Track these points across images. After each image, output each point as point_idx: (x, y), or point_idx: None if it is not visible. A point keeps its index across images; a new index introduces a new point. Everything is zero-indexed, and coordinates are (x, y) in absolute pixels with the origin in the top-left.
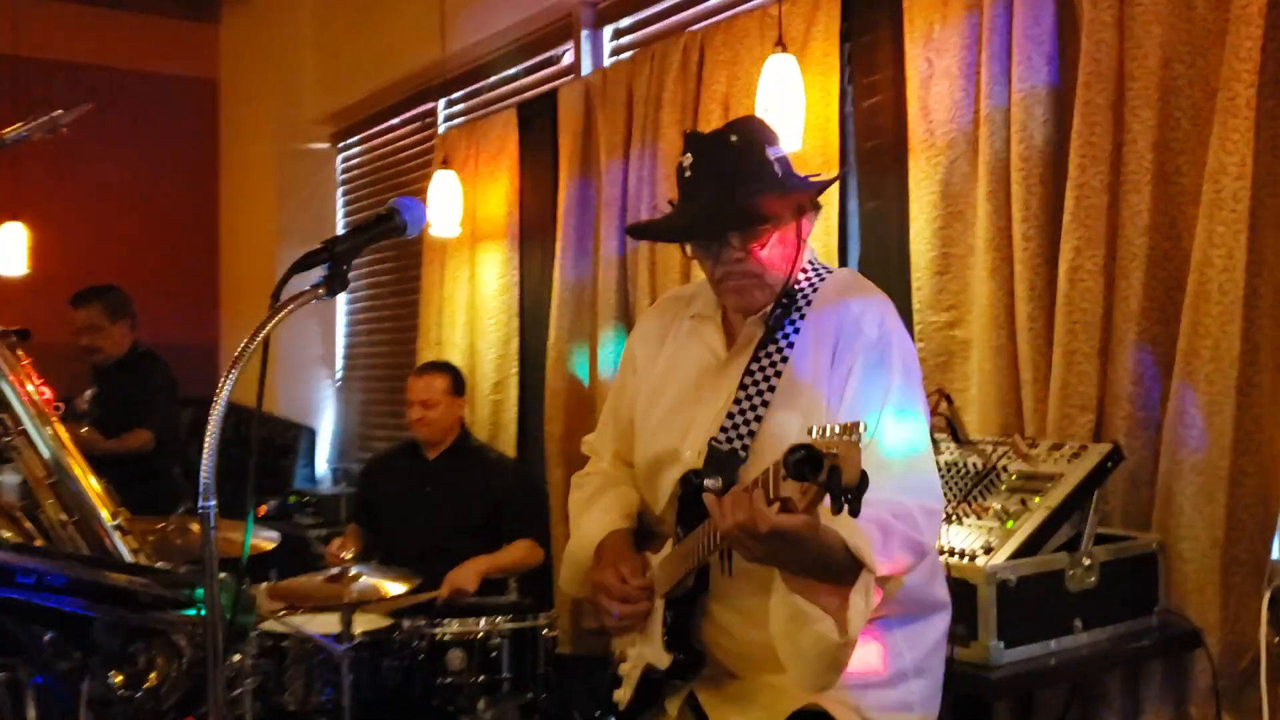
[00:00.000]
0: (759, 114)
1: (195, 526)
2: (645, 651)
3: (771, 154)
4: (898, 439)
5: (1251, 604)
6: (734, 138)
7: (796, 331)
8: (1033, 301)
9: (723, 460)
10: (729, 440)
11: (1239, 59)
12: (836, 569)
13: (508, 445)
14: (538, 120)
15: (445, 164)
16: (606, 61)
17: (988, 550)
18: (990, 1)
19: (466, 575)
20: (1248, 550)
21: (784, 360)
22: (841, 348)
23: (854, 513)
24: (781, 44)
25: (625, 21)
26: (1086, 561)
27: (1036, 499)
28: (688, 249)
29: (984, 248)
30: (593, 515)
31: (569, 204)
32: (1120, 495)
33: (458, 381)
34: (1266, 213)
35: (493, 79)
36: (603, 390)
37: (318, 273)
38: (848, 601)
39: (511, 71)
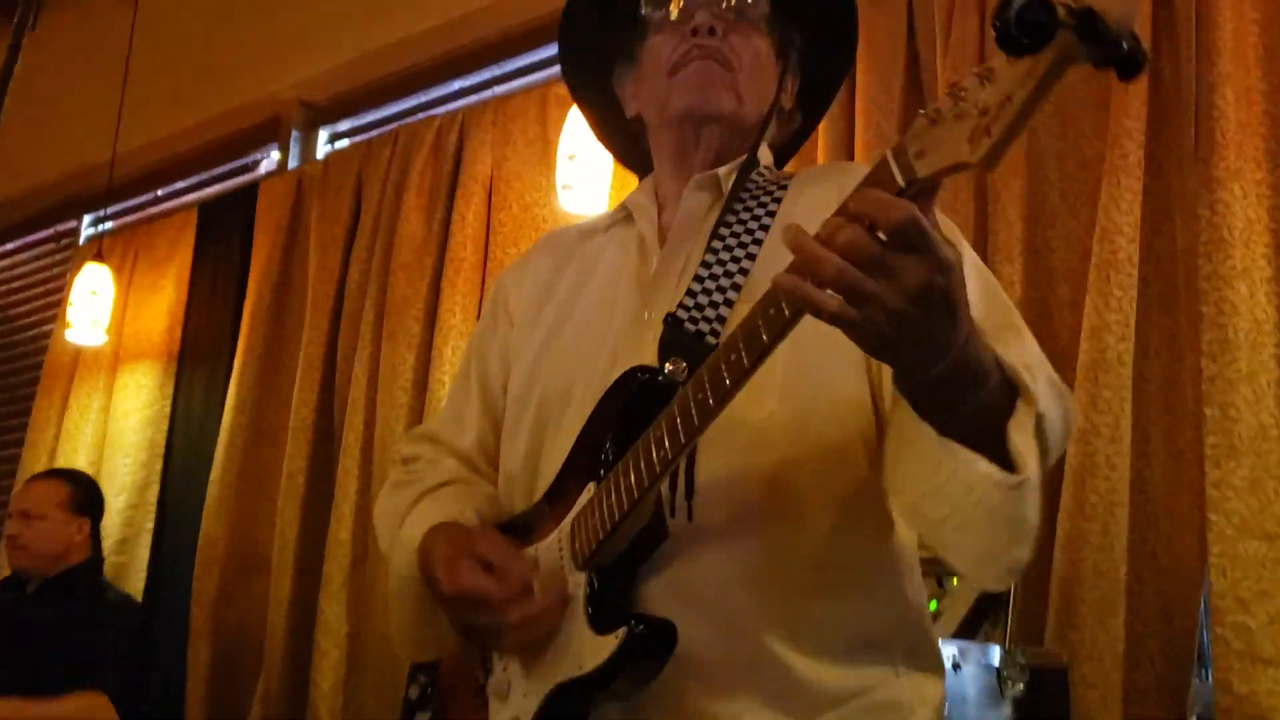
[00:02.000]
0: (561, 167)
1: None
2: (538, 672)
3: None
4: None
5: None
6: None
7: (777, 201)
8: None
9: (685, 344)
10: (692, 321)
11: (1129, 117)
12: (982, 395)
13: None
14: (224, 220)
15: (99, 259)
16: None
17: None
18: None
19: None
20: (1149, 674)
21: (763, 229)
22: None
23: (1126, 73)
24: None
25: (344, 125)
26: (1021, 660)
27: (954, 580)
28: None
29: None
30: (422, 510)
31: (259, 311)
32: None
33: (85, 496)
34: (1151, 290)
35: (161, 191)
36: (285, 545)
37: None
38: (1006, 436)
39: (199, 179)
